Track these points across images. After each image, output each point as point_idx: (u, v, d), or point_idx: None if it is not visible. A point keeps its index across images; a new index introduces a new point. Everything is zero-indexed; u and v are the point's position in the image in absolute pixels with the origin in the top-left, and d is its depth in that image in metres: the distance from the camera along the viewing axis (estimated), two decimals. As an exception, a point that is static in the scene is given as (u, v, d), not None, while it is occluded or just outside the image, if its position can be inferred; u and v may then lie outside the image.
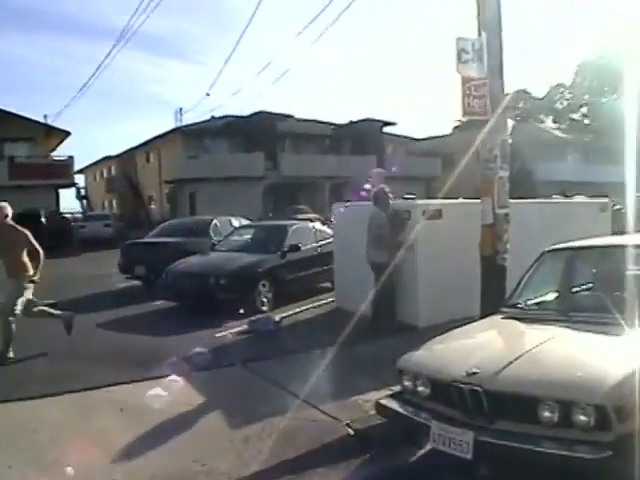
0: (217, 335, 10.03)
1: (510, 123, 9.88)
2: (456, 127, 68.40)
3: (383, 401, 5.25)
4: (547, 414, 4.02)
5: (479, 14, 8.36)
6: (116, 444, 5.66)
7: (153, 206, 48.16)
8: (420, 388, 4.84)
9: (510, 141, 8.63)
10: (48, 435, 5.88)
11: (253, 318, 10.53)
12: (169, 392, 7.09)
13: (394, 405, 5.05)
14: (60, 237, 31.92)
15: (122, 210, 50.53)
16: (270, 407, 6.49)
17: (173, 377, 7.65)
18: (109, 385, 7.42)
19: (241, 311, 11.01)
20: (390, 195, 10.29)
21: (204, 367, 8.15)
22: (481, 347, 5.04)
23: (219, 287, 11.59)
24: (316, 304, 12.36)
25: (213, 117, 41.45)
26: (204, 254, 13.68)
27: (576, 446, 3.90)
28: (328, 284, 13.52)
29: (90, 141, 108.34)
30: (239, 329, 10.35)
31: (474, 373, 4.37)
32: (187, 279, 12.21)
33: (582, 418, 3.90)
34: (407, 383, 5.03)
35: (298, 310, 11.79)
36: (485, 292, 8.62)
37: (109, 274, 17.29)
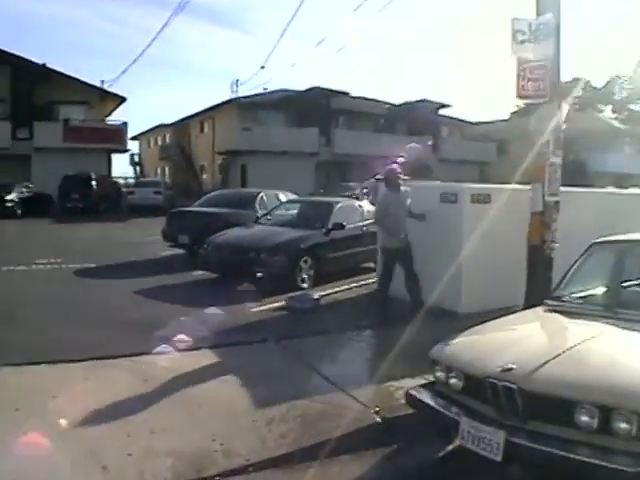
0: (253, 310, 9.88)
1: (565, 109, 9.34)
2: (514, 112, 67.15)
3: (413, 391, 4.97)
4: (585, 419, 3.71)
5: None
6: (135, 417, 5.55)
7: (205, 176, 48.32)
8: (453, 381, 4.56)
9: (564, 127, 8.18)
10: (65, 401, 5.76)
11: (291, 294, 10.33)
12: (196, 365, 7.00)
13: (424, 396, 4.78)
14: (109, 201, 32.42)
15: (174, 178, 50.96)
16: (298, 388, 6.29)
17: (202, 350, 7.55)
18: (136, 354, 7.33)
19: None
20: (401, 176, 9.78)
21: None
22: (519, 341, 4.71)
23: (259, 261, 11.41)
24: (357, 284, 12.12)
25: (267, 90, 41.28)
26: (247, 227, 13.54)
27: (615, 456, 3.58)
28: (372, 264, 13.29)
29: (146, 108, 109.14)
30: (276, 305, 10.19)
31: (509, 369, 4.07)
32: (227, 251, 12.06)
33: (623, 426, 3.59)
34: (440, 374, 4.76)
35: (338, 289, 11.57)
36: (530, 282, 8.31)
37: (154, 241, 17.30)
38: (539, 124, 8.05)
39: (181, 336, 7.87)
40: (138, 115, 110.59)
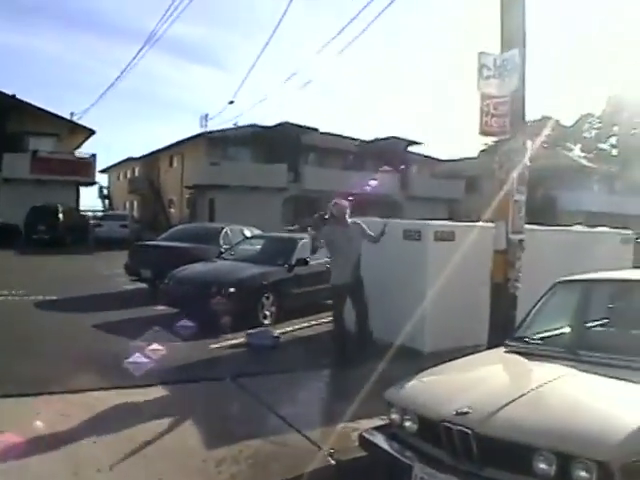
0: (212, 346, 9.64)
1: (530, 146, 9.27)
2: (482, 150, 67.83)
3: (367, 434, 4.77)
4: (543, 466, 3.53)
5: (502, 29, 7.97)
6: (82, 453, 5.30)
7: (173, 210, 48.01)
8: (407, 423, 4.37)
9: (529, 164, 8.12)
10: (13, 435, 5.44)
11: (251, 331, 10.10)
12: (147, 402, 6.74)
13: (378, 439, 4.58)
14: (76, 234, 32.12)
15: (143, 212, 50.73)
16: (252, 428, 6.08)
17: (155, 387, 7.31)
18: (86, 390, 7.05)
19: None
20: (347, 211, 9.40)
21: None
22: (477, 383, 4.52)
23: (220, 296, 11.16)
24: (319, 321, 11.90)
25: (237, 125, 41.27)
26: (210, 261, 13.33)
27: (574, 506, 3.42)
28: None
29: (115, 141, 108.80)
30: (236, 341, 9.95)
31: (465, 413, 3.90)
32: (188, 285, 11.82)
33: (583, 475, 3.41)
34: (394, 416, 4.57)
35: (299, 326, 11.37)
36: (494, 321, 8.23)
37: (118, 274, 17.00)
38: (503, 161, 8.00)
39: (135, 372, 7.64)
40: (107, 148, 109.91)
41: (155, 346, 8.93)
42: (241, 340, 9.92)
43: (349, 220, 9.37)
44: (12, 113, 35.90)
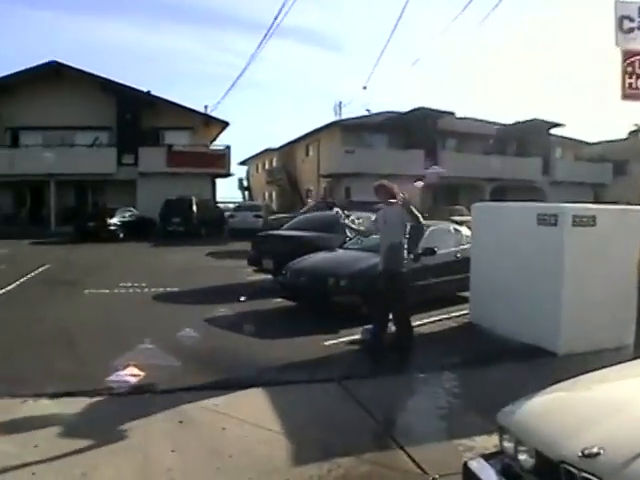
0: (326, 343, 8.95)
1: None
2: (632, 132, 63.69)
3: (473, 464, 3.82)
4: None
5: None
6: (161, 461, 4.85)
7: (310, 200, 47.90)
8: (522, 457, 3.39)
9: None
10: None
11: (368, 327, 9.35)
12: (241, 407, 6.14)
13: (485, 473, 3.65)
14: (211, 225, 32.49)
15: (281, 202, 51.03)
16: (350, 441, 5.34)
17: (254, 389, 6.70)
18: (183, 389, 6.61)
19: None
20: (396, 193, 8.55)
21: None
22: (617, 411, 3.36)
23: (338, 289, 10.47)
24: (446, 316, 10.97)
25: (370, 112, 40.58)
26: (331, 251, 12.62)
27: None
28: (467, 293, 12.16)
29: (252, 133, 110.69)
30: (352, 338, 9.20)
31: (594, 455, 2.91)
32: (306, 277, 11.17)
33: None
34: (507, 445, 3.60)
35: (425, 321, 10.45)
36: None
37: (244, 265, 16.64)
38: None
39: (237, 371, 7.15)
40: (245, 141, 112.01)
41: (264, 342, 8.40)
42: (358, 337, 9.17)
43: (394, 201, 8.45)
44: (147, 109, 37.17)
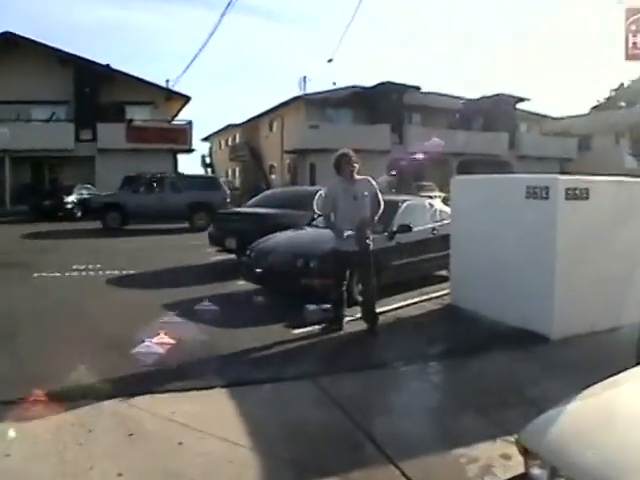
0: (294, 332, 8.08)
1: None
2: (594, 107, 63.88)
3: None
4: None
5: None
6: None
7: (274, 176, 46.98)
8: None
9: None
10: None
11: (313, 307, 8.75)
12: (200, 413, 5.23)
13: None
14: (172, 202, 31.46)
15: (244, 178, 50.25)
16: (331, 455, 4.51)
17: (214, 390, 5.82)
18: (133, 394, 5.62)
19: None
20: (355, 163, 8.08)
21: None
22: None
23: (308, 271, 9.54)
24: (425, 297, 10.17)
25: (336, 85, 39.84)
26: (299, 230, 11.70)
27: None
28: (445, 272, 11.41)
29: (216, 110, 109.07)
30: (323, 326, 8.33)
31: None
32: (271, 258, 10.21)
33: None
34: (537, 472, 2.79)
35: (402, 304, 9.63)
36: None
37: (207, 244, 15.68)
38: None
39: (193, 371, 6.25)
40: (208, 116, 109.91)
41: (225, 332, 7.52)
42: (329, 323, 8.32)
43: (357, 176, 8.06)
44: (107, 83, 35.79)
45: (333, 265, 8.26)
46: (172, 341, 7.20)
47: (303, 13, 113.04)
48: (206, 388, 5.84)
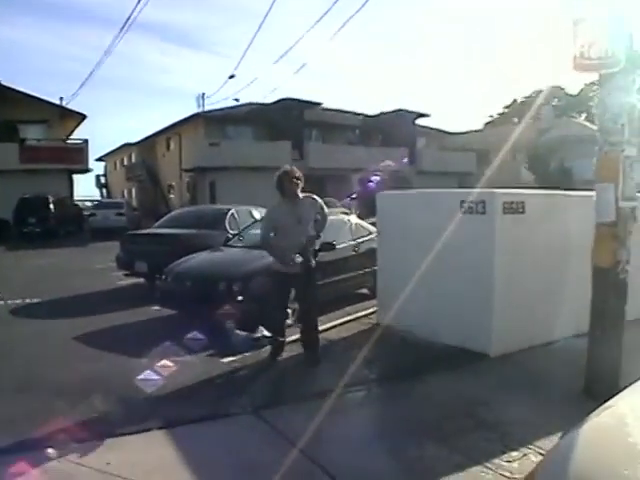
0: (224, 360, 7.58)
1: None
2: (487, 123, 65.84)
3: None
4: None
5: None
6: None
7: (172, 196, 45.90)
8: None
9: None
10: None
11: (243, 334, 8.36)
12: (139, 463, 4.67)
13: None
14: (69, 225, 30.63)
15: (142, 199, 48.75)
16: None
17: (151, 433, 5.26)
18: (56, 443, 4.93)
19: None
20: (298, 181, 7.69)
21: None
22: None
23: (230, 294, 9.06)
24: (351, 318, 9.85)
25: (236, 102, 39.28)
26: (216, 250, 11.16)
27: None
28: (366, 291, 11.14)
29: (113, 131, 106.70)
30: (253, 352, 7.88)
31: None
32: (190, 282, 9.66)
33: None
34: None
35: (328, 325, 9.25)
36: (598, 315, 6.16)
37: (112, 268, 14.84)
38: (609, 103, 5.91)
39: (122, 411, 5.65)
40: (105, 137, 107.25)
41: (150, 365, 6.94)
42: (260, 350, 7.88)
43: (301, 194, 7.64)
44: (-3, 101, 33.78)
45: (272, 287, 7.71)
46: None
47: (201, 38, 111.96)
48: (140, 432, 5.27)
